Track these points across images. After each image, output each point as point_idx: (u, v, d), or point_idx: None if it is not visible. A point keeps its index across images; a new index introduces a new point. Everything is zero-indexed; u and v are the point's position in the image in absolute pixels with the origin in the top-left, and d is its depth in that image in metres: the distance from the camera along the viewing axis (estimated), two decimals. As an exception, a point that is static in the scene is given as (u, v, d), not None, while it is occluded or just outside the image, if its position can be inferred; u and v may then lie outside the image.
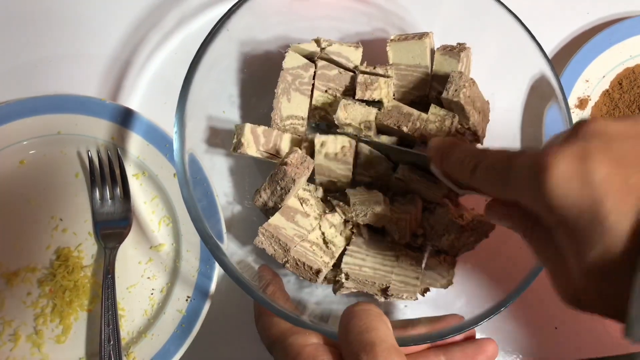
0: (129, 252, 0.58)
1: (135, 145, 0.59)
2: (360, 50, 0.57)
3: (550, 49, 0.68)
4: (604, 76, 0.65)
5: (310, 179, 0.55)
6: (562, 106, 0.54)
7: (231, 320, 0.58)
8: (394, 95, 0.58)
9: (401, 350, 0.39)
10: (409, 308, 0.58)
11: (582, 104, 0.65)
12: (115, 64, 0.63)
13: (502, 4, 0.55)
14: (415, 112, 0.54)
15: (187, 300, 0.56)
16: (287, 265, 0.51)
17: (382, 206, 0.51)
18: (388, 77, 0.55)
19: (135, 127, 0.58)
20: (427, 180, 0.52)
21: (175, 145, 0.49)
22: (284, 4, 0.58)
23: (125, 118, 0.58)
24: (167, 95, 0.61)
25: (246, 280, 0.47)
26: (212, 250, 0.47)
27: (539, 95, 0.57)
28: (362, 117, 0.53)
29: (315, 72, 0.56)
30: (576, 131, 0.32)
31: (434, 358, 0.48)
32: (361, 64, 0.57)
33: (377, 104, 0.56)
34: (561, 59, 0.67)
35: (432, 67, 0.56)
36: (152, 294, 0.58)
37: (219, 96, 0.59)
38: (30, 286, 0.57)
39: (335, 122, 0.54)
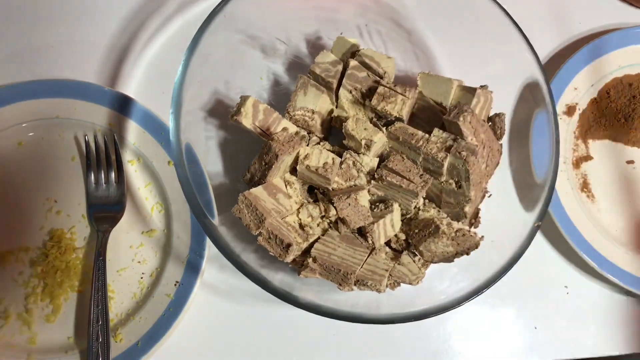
0: (121, 236, 0.59)
1: (132, 132, 0.60)
2: (392, 60, 0.60)
3: (542, 56, 0.70)
4: (592, 85, 0.67)
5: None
6: (550, 112, 0.56)
7: (218, 308, 0.60)
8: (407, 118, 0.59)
9: None
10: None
11: (569, 111, 0.66)
12: (114, 51, 0.65)
13: (501, 6, 0.57)
14: (420, 132, 0.56)
15: (175, 285, 0.57)
16: (260, 238, 0.52)
17: (367, 205, 0.53)
18: (405, 97, 0.56)
19: (133, 114, 0.60)
20: (404, 187, 0.54)
21: (171, 124, 0.51)
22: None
23: (123, 105, 0.60)
24: (164, 85, 0.62)
25: (236, 256, 0.48)
26: (203, 225, 0.49)
27: (529, 101, 0.58)
28: (366, 135, 0.55)
29: (345, 70, 0.59)
30: None
31: None
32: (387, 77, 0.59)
33: (390, 124, 0.58)
34: (552, 67, 0.69)
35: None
36: (141, 277, 0.59)
37: (216, 82, 0.60)
38: (23, 266, 0.58)
39: (343, 130, 0.56)
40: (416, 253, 0.56)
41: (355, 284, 0.53)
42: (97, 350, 0.54)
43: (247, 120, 0.55)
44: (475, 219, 0.57)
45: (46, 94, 0.59)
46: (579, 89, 0.67)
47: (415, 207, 0.56)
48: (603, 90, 0.67)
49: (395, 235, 0.56)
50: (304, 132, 0.58)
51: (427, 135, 0.55)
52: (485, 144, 0.56)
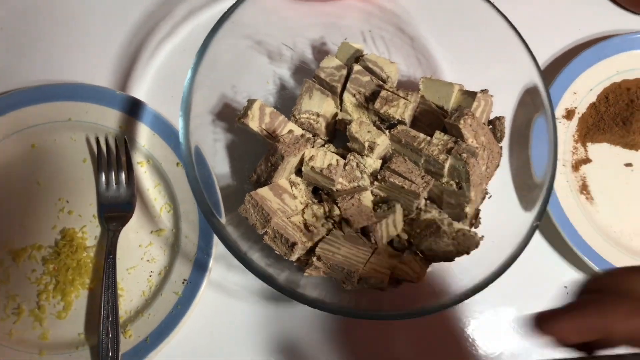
0: (130, 236, 0.61)
1: (142, 134, 0.62)
2: (395, 65, 0.62)
3: (542, 61, 0.71)
4: (591, 89, 0.68)
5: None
6: (549, 116, 0.57)
7: (225, 305, 0.61)
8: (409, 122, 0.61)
9: None
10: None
11: (569, 114, 0.68)
12: (125, 55, 0.67)
13: (501, 13, 0.58)
14: (422, 135, 0.57)
15: (183, 283, 0.59)
16: (266, 237, 0.54)
17: (370, 205, 0.54)
18: (407, 100, 0.58)
19: (143, 117, 0.62)
20: (405, 188, 0.55)
21: (181, 127, 0.52)
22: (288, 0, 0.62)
23: (133, 108, 0.62)
24: (174, 89, 0.64)
25: (243, 254, 0.50)
26: (212, 224, 0.51)
27: (528, 105, 0.60)
28: (369, 137, 0.57)
29: (349, 75, 0.60)
30: None
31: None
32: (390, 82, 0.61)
33: (392, 127, 0.59)
34: (551, 71, 0.70)
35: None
36: (150, 276, 0.60)
37: (224, 86, 0.62)
38: (35, 263, 0.60)
39: (347, 132, 0.57)
40: (418, 252, 0.57)
41: (358, 282, 0.54)
42: (107, 346, 0.55)
43: (253, 122, 0.57)
44: (475, 219, 0.58)
45: (59, 98, 0.61)
46: (578, 93, 0.68)
47: (417, 207, 0.58)
48: (602, 94, 0.69)
49: (398, 235, 0.58)
50: (309, 135, 0.60)
51: (428, 138, 0.57)
52: (485, 146, 0.57)
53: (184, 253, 0.60)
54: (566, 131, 0.68)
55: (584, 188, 0.67)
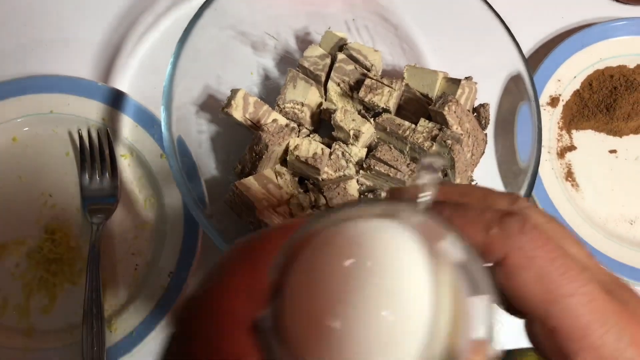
0: (115, 229, 0.60)
1: (125, 126, 0.61)
2: (379, 54, 0.62)
3: (526, 49, 0.71)
4: (575, 76, 0.69)
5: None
6: (533, 103, 0.57)
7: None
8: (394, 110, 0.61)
9: None
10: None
11: (553, 102, 0.68)
12: (107, 47, 0.66)
13: (485, 0, 0.58)
14: (407, 123, 0.57)
15: (169, 275, 0.58)
16: (251, 227, 0.54)
17: (356, 194, 0.54)
18: (392, 88, 0.58)
19: (125, 108, 0.61)
20: (391, 176, 0.55)
21: (163, 117, 0.52)
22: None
23: (115, 100, 0.61)
24: (157, 80, 0.63)
25: (228, 244, 0.50)
26: (197, 215, 0.50)
27: (513, 92, 0.60)
28: (354, 125, 0.56)
29: (333, 63, 0.60)
30: None
31: None
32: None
33: (377, 115, 0.59)
34: (535, 59, 0.70)
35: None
36: (135, 269, 0.60)
37: (207, 76, 0.61)
38: (19, 258, 0.59)
39: (332, 121, 0.57)
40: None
41: None
42: (91, 340, 0.55)
43: (237, 112, 0.56)
44: (461, 207, 0.58)
45: (40, 89, 0.60)
46: (562, 80, 0.68)
47: (403, 195, 0.57)
48: (585, 81, 0.69)
49: None
50: (293, 124, 0.59)
51: (413, 126, 0.57)
52: (470, 133, 0.57)
53: (169, 246, 0.60)
54: (551, 118, 0.68)
55: (569, 175, 0.67)
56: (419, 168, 0.24)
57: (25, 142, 0.61)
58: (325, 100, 0.61)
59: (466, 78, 0.59)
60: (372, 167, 0.56)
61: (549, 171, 0.66)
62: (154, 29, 0.66)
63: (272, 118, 0.58)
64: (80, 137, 0.61)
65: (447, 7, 0.62)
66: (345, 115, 0.57)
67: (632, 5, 0.74)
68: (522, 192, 0.55)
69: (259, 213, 0.53)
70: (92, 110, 0.61)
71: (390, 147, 0.57)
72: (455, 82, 0.59)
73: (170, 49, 0.54)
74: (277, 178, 0.56)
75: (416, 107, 0.61)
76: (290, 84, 0.60)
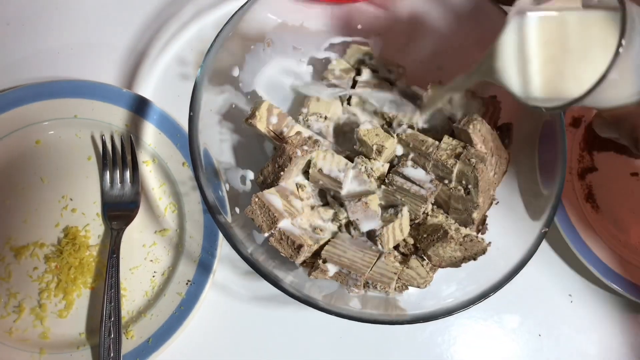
0: (134, 235, 0.60)
1: (148, 133, 0.61)
2: (404, 69, 0.62)
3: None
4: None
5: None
6: (557, 123, 0.57)
7: (229, 307, 0.61)
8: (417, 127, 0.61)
9: None
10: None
11: (575, 122, 0.68)
12: (132, 54, 0.66)
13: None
14: (430, 139, 0.57)
15: (187, 283, 0.58)
16: (272, 238, 0.53)
17: (377, 209, 0.54)
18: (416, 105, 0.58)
19: (149, 116, 0.61)
20: (413, 192, 0.55)
21: (190, 126, 0.52)
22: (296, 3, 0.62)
23: (139, 106, 0.61)
24: (181, 88, 0.64)
25: (248, 254, 0.50)
26: (218, 223, 0.50)
27: (536, 112, 0.59)
28: (377, 140, 0.56)
29: (356, 78, 0.61)
30: None
31: None
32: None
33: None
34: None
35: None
36: (153, 276, 0.60)
37: (230, 87, 0.61)
38: (37, 261, 0.59)
39: (355, 135, 0.57)
40: (424, 257, 0.57)
41: (364, 286, 0.54)
42: (108, 346, 0.55)
43: (261, 123, 0.56)
44: (482, 225, 0.58)
45: (65, 94, 0.61)
46: (585, 101, 0.68)
47: (424, 212, 0.57)
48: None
49: (404, 240, 0.57)
50: (317, 137, 0.59)
51: (437, 142, 0.56)
52: (494, 152, 0.57)
53: (188, 253, 0.60)
54: (572, 139, 0.68)
55: (589, 196, 0.67)
56: None
57: (49, 145, 0.61)
58: (349, 114, 0.61)
59: (491, 97, 0.59)
60: (393, 182, 0.56)
61: (570, 192, 0.65)
62: (179, 36, 0.66)
63: (295, 130, 0.58)
64: (103, 142, 0.61)
65: (474, 22, 0.62)
66: (369, 130, 0.57)
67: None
68: (546, 213, 0.54)
69: (281, 226, 0.53)
70: (115, 116, 0.61)
71: (413, 163, 0.57)
72: (479, 101, 0.59)
73: (195, 57, 0.54)
74: (298, 190, 0.56)
75: (438, 124, 0.60)
76: (313, 98, 0.60)
